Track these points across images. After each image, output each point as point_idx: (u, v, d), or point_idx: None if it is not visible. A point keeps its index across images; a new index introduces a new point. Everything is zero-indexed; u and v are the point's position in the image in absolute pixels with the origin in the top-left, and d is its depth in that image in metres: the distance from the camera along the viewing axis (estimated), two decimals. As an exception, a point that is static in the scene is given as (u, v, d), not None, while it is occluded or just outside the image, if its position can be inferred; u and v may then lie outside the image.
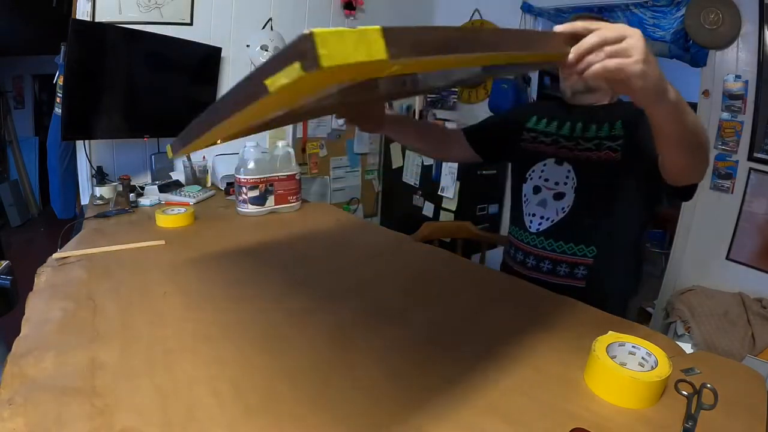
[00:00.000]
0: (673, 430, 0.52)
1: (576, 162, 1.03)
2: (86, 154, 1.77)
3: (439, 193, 2.56)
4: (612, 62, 0.50)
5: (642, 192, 0.98)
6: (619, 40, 0.50)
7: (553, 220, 1.04)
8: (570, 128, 1.06)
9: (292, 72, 0.25)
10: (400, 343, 0.69)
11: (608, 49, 0.50)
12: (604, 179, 0.99)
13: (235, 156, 1.61)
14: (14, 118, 4.76)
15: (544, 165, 1.07)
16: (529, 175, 1.10)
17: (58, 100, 1.67)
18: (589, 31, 0.50)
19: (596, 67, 0.50)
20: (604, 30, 0.50)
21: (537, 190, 1.08)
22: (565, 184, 1.04)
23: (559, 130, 1.07)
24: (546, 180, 1.06)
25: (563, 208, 1.03)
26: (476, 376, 0.61)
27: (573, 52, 0.51)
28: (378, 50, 0.27)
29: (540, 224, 1.06)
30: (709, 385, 0.57)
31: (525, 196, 1.11)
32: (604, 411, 0.55)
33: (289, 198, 1.54)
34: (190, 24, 1.95)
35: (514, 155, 1.18)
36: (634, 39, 0.50)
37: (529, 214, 1.08)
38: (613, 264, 1.01)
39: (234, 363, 0.62)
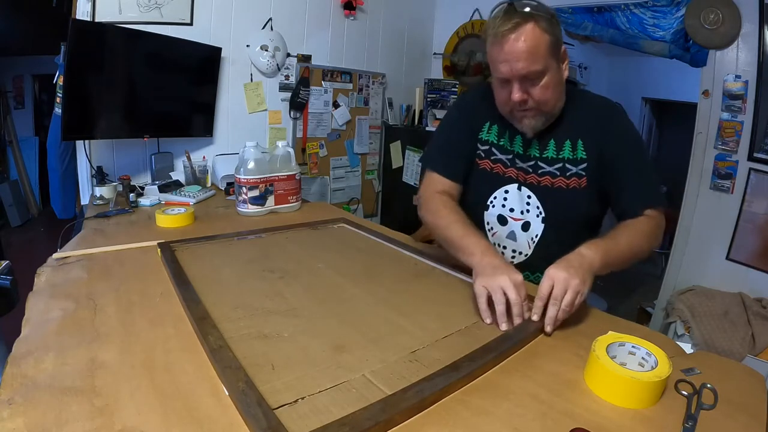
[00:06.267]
0: (673, 430, 0.52)
1: (538, 190, 0.97)
2: (86, 154, 1.77)
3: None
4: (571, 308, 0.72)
5: (601, 211, 1.00)
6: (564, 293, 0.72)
7: (526, 255, 1.01)
8: (523, 144, 0.97)
9: None
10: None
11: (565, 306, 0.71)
12: (572, 209, 0.95)
13: (235, 156, 1.61)
14: (14, 118, 4.76)
15: (506, 192, 1.00)
16: (491, 202, 1.02)
17: (58, 100, 1.67)
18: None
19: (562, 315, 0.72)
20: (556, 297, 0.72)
21: (503, 220, 1.01)
22: (528, 212, 0.99)
23: (512, 144, 0.99)
24: (511, 210, 1.00)
25: (533, 239, 0.99)
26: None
27: (550, 325, 0.72)
28: None
29: (513, 257, 1.02)
30: (709, 385, 0.57)
31: (489, 224, 1.04)
32: (604, 411, 0.55)
33: (289, 198, 1.54)
34: (190, 24, 1.95)
35: (470, 174, 1.05)
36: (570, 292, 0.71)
37: (499, 245, 1.03)
38: None
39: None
